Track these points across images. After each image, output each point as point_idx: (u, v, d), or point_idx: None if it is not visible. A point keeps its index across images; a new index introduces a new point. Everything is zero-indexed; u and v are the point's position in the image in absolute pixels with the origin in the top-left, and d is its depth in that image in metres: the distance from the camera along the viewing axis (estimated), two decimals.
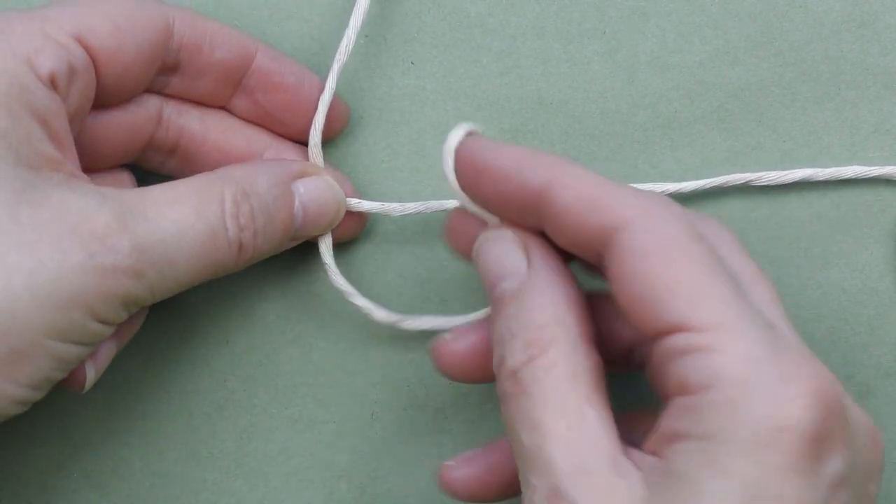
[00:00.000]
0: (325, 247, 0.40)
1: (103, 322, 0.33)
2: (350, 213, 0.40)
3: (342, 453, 0.42)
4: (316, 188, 0.38)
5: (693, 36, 0.41)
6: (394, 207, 0.40)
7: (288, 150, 0.40)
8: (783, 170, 0.41)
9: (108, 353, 0.37)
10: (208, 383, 0.42)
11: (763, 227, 0.41)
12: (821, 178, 0.40)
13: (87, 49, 0.35)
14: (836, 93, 0.41)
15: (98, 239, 0.32)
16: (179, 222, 0.34)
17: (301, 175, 0.38)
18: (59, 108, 0.34)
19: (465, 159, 0.33)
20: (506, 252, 0.33)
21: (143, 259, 0.33)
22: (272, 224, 0.37)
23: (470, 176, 0.33)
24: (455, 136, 0.33)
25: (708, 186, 0.40)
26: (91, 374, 0.36)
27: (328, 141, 0.41)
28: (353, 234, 0.41)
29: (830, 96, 0.41)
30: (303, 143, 0.40)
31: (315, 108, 0.39)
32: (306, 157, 0.40)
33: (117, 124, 0.37)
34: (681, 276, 0.29)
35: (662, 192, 0.40)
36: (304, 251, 0.40)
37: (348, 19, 0.40)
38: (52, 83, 0.34)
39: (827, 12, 0.41)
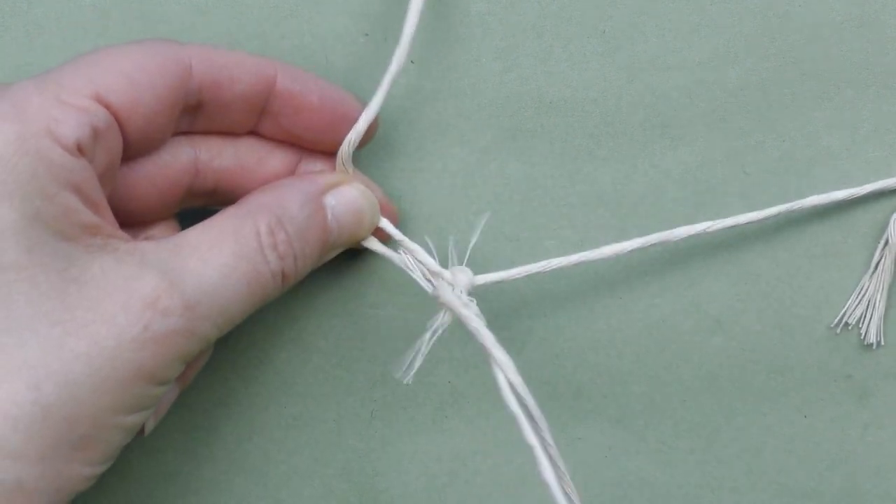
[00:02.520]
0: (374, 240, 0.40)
1: (163, 383, 0.33)
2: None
3: (341, 452, 0.42)
4: (347, 197, 0.38)
5: (693, 36, 0.41)
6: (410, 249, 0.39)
7: (319, 160, 0.40)
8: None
9: (170, 398, 0.37)
10: (208, 381, 0.42)
11: (763, 226, 0.41)
12: (804, 207, 0.40)
13: (107, 107, 0.34)
14: (836, 93, 0.41)
15: (149, 306, 0.32)
16: (223, 267, 0.34)
17: (330, 187, 0.38)
18: (89, 173, 0.33)
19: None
20: None
21: (196, 315, 0.33)
22: (310, 245, 0.37)
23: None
24: None
25: (717, 227, 0.40)
26: (150, 424, 0.36)
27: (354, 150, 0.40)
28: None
29: (830, 96, 0.41)
30: (331, 153, 0.40)
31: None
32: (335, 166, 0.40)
33: (152, 177, 0.37)
34: None
35: (674, 238, 0.39)
36: None
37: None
38: (79, 150, 0.33)
39: (827, 12, 0.41)
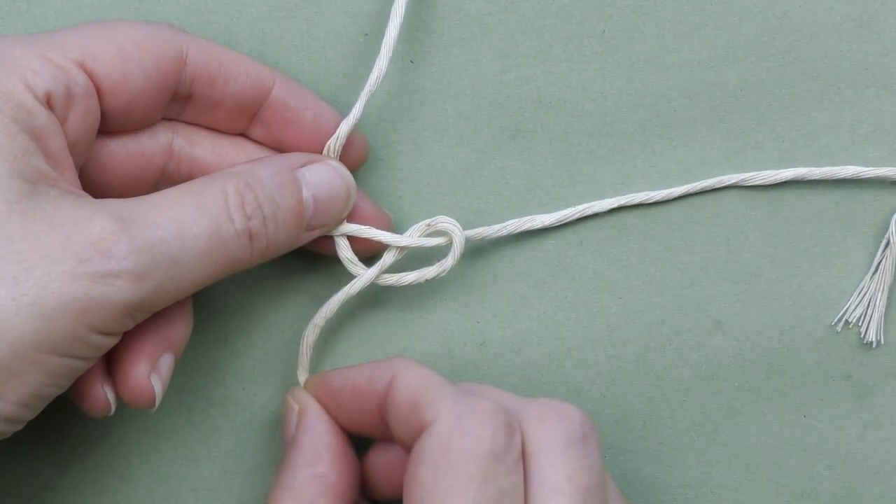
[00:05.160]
0: (344, 243, 0.39)
1: (102, 332, 0.32)
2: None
3: None
4: (323, 173, 0.38)
5: (693, 36, 0.41)
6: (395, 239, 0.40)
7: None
8: (777, 168, 0.41)
9: (168, 365, 0.36)
10: (207, 381, 0.42)
11: (763, 226, 0.41)
12: (815, 178, 0.41)
13: (90, 75, 0.34)
14: (835, 93, 0.41)
15: (92, 244, 0.31)
16: (180, 219, 0.33)
17: (306, 163, 0.38)
18: (55, 127, 0.33)
19: (324, 390, 0.38)
20: (286, 419, 0.38)
21: (144, 261, 0.32)
22: (281, 212, 0.36)
23: (330, 401, 0.37)
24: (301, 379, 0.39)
25: (698, 189, 0.41)
26: (158, 389, 0.36)
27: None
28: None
29: (829, 96, 0.41)
30: None
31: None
32: None
33: (127, 155, 0.37)
34: (435, 493, 0.32)
35: (652, 199, 0.41)
36: (302, 250, 0.40)
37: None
38: (48, 103, 0.33)
39: (827, 12, 0.41)
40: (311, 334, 0.40)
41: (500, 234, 0.40)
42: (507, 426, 0.33)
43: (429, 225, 0.39)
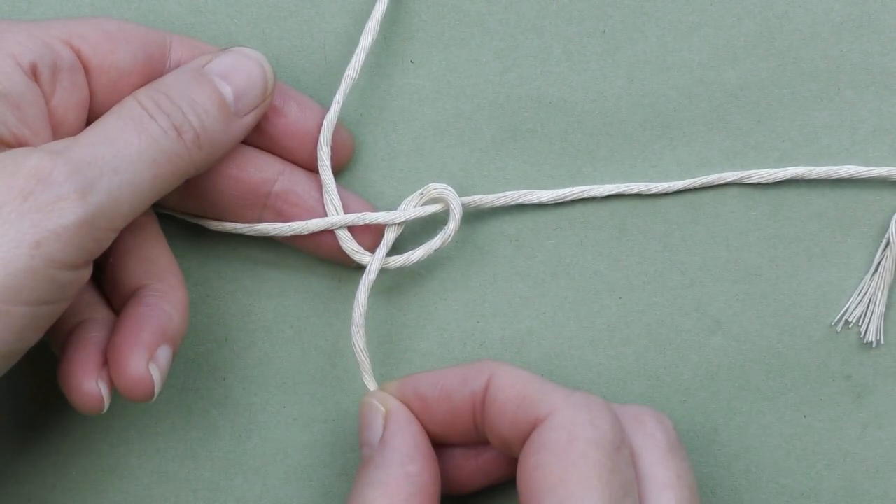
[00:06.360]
0: (346, 235, 0.39)
1: (66, 265, 0.32)
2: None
3: (341, 452, 0.42)
4: (228, 59, 0.37)
5: (693, 36, 0.41)
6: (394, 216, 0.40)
7: (301, 176, 0.40)
8: (777, 167, 0.41)
9: (166, 356, 0.36)
10: (207, 381, 0.42)
11: (762, 226, 0.41)
12: (815, 177, 0.41)
13: (76, 53, 0.35)
14: (835, 93, 0.41)
15: (32, 177, 0.32)
16: (107, 133, 0.34)
17: (209, 60, 0.37)
18: (35, 97, 0.34)
19: (410, 393, 0.37)
20: (369, 422, 0.37)
21: (85, 176, 0.32)
22: (199, 103, 0.36)
23: (416, 404, 0.37)
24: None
25: (698, 184, 0.41)
26: (157, 378, 0.36)
27: (337, 172, 0.40)
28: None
29: (830, 96, 0.41)
30: (312, 170, 0.40)
31: (318, 133, 0.39)
32: (318, 184, 0.40)
33: None
34: (567, 479, 0.32)
35: (651, 190, 0.41)
36: (302, 251, 0.40)
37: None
38: (34, 74, 0.34)
39: (827, 12, 0.41)
40: (358, 338, 0.39)
41: (495, 203, 0.40)
42: (619, 421, 0.34)
43: (422, 194, 0.40)
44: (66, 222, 0.32)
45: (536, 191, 0.41)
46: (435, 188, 0.39)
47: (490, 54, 0.41)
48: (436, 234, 0.40)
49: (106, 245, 0.34)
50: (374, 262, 0.39)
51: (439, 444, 0.38)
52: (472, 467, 0.39)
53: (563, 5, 0.41)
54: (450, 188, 0.40)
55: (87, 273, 0.34)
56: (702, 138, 0.41)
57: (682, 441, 0.36)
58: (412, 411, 0.37)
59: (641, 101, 0.41)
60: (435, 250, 0.40)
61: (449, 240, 0.40)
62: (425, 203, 0.40)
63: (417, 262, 0.40)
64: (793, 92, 0.41)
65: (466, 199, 0.40)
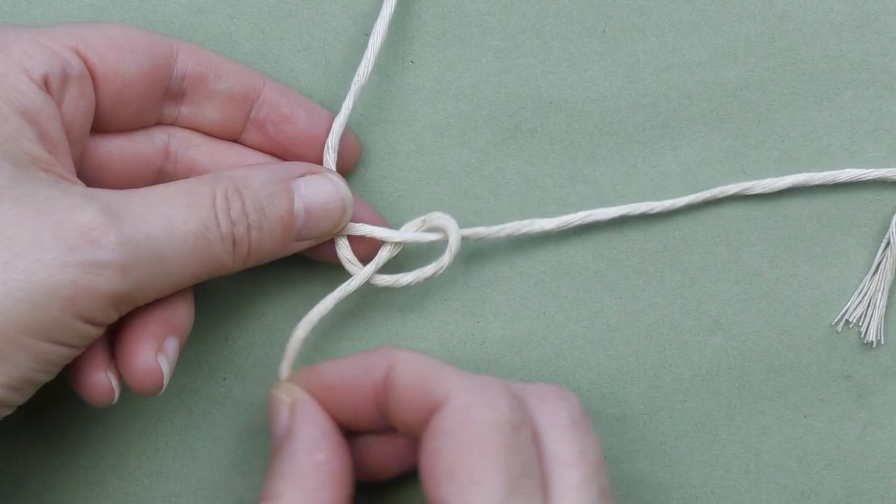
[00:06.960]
0: (343, 243, 0.39)
1: (89, 321, 0.32)
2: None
3: None
4: (319, 184, 0.38)
5: (693, 35, 0.41)
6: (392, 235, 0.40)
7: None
8: (777, 175, 0.41)
9: (174, 347, 0.36)
10: (207, 381, 0.42)
11: (763, 226, 0.41)
12: (816, 183, 0.41)
13: (84, 60, 0.35)
14: (835, 93, 0.41)
15: (82, 234, 0.32)
16: (168, 218, 0.34)
17: (302, 174, 0.38)
18: (51, 110, 0.34)
19: (314, 383, 0.37)
20: (275, 413, 0.37)
21: (130, 255, 0.32)
22: (268, 220, 0.36)
23: (322, 393, 0.37)
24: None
25: (701, 199, 0.41)
26: (165, 369, 0.36)
27: (343, 176, 0.40)
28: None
29: (830, 96, 0.41)
30: None
31: (325, 138, 0.39)
32: None
33: (124, 154, 0.37)
34: (464, 462, 0.32)
35: (655, 209, 0.41)
36: (302, 254, 0.40)
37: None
38: (46, 85, 0.34)
39: (827, 12, 0.41)
40: (302, 330, 0.39)
41: (498, 235, 0.40)
42: (519, 401, 0.34)
43: (424, 221, 0.39)
44: (102, 290, 0.32)
45: (539, 219, 0.40)
46: (438, 218, 0.39)
47: (490, 54, 0.41)
48: (431, 262, 0.39)
49: (132, 308, 0.34)
50: (357, 276, 0.39)
51: (350, 433, 0.38)
52: (386, 454, 0.38)
53: (563, 5, 0.41)
54: (452, 220, 0.39)
55: (105, 328, 0.34)
56: (702, 138, 0.41)
57: (588, 417, 0.36)
58: (318, 400, 0.37)
59: (641, 101, 0.41)
60: (426, 278, 0.39)
61: (442, 270, 0.39)
62: (427, 230, 0.40)
63: (407, 286, 0.40)
64: (793, 92, 0.41)
65: (467, 232, 0.40)
